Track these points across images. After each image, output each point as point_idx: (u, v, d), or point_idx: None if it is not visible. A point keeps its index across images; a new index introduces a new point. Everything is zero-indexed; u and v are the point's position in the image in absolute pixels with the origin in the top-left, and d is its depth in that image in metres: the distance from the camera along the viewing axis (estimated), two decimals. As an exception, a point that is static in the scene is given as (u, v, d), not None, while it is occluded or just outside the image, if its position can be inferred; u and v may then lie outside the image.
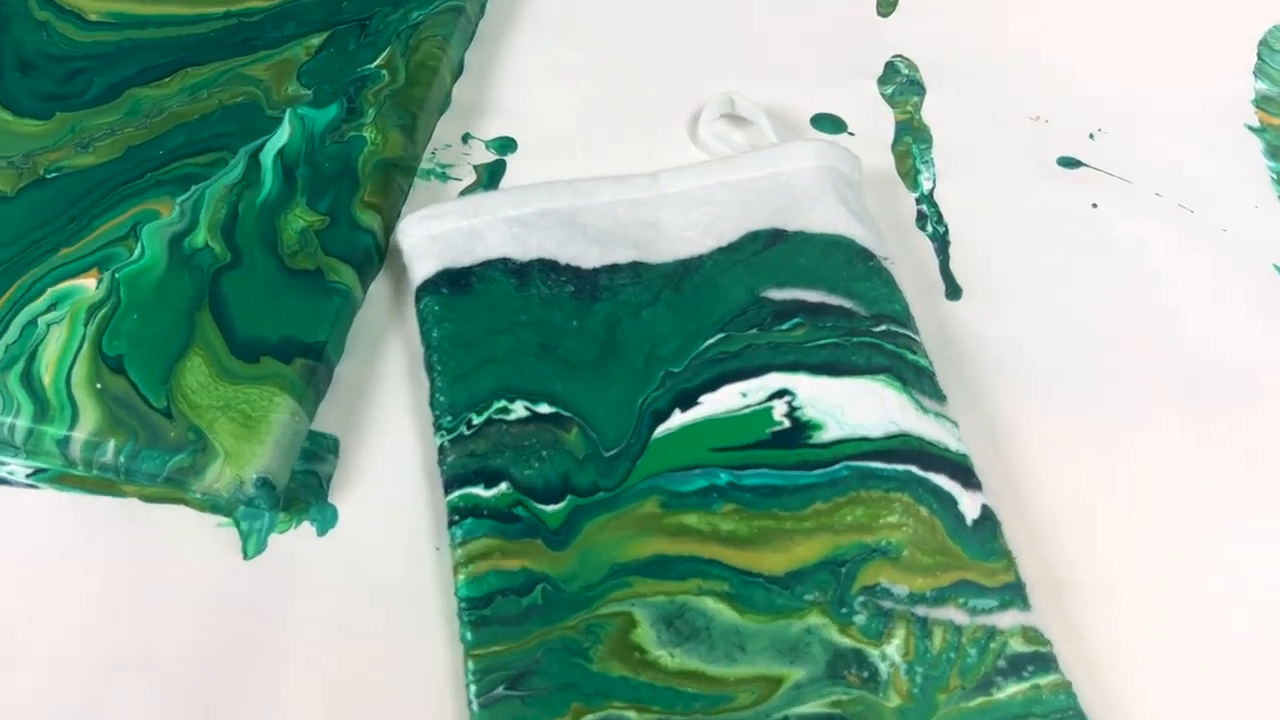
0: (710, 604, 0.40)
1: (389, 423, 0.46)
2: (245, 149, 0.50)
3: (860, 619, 0.39)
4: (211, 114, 0.52)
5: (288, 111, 0.52)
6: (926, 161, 0.54)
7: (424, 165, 0.54)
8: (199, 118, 0.51)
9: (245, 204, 0.49)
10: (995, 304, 0.50)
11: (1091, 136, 0.56)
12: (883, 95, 0.57)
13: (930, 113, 0.56)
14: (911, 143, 0.55)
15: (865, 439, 0.43)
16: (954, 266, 0.51)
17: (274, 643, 0.41)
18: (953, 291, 0.50)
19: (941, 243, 0.51)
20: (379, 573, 0.42)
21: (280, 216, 0.48)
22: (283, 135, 0.51)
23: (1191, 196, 0.53)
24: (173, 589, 0.42)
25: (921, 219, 0.52)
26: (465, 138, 0.55)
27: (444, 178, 0.53)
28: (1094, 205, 0.53)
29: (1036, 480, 0.45)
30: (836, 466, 0.42)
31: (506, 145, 0.55)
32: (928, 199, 0.53)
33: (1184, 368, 0.48)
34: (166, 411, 0.43)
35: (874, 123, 0.56)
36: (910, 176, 0.54)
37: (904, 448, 0.43)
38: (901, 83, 0.58)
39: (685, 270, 0.48)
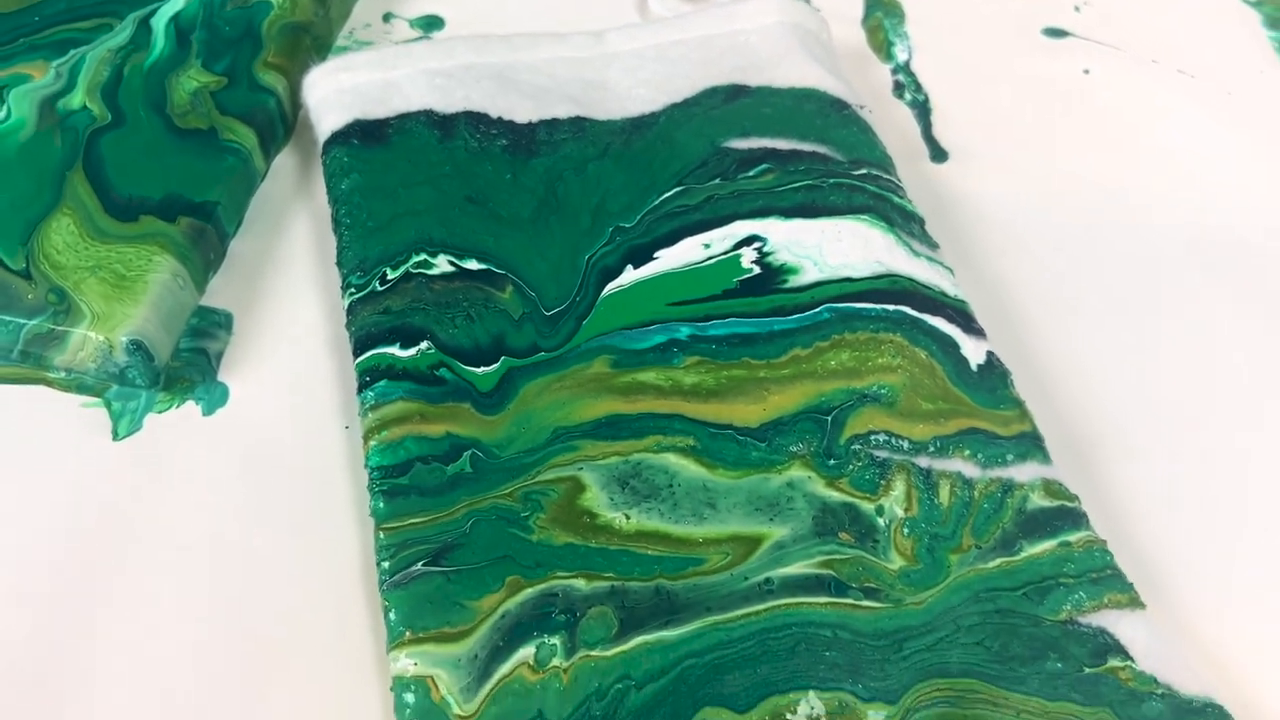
0: (672, 460, 0.33)
1: (292, 300, 0.40)
2: (134, 14, 0.44)
3: (851, 471, 0.33)
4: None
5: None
6: (900, 34, 0.49)
7: (341, 43, 0.48)
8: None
9: (131, 67, 0.43)
10: (984, 166, 0.44)
11: (1077, 9, 0.51)
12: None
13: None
14: (883, 17, 0.50)
15: (849, 279, 0.37)
16: (937, 132, 0.45)
17: (148, 533, 0.34)
18: (938, 155, 0.45)
19: (922, 110, 0.46)
20: (276, 455, 0.36)
21: (170, 78, 0.42)
22: (178, 1, 0.45)
23: (1190, 64, 0.48)
24: (24, 476, 0.34)
25: (899, 88, 0.47)
26: (386, 17, 0.49)
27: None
28: (1085, 71, 0.48)
29: (1041, 338, 0.39)
30: (817, 310, 0.36)
31: (433, 23, 0.49)
32: (904, 69, 0.48)
33: (1195, 221, 0.43)
34: (25, 273, 0.36)
35: (842, 2, 0.51)
36: (884, 49, 0.49)
37: (894, 288, 0.36)
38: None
39: (636, 127, 0.42)
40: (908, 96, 0.47)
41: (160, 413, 0.36)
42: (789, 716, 0.29)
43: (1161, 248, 0.42)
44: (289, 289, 0.40)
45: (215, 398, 0.37)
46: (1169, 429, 0.37)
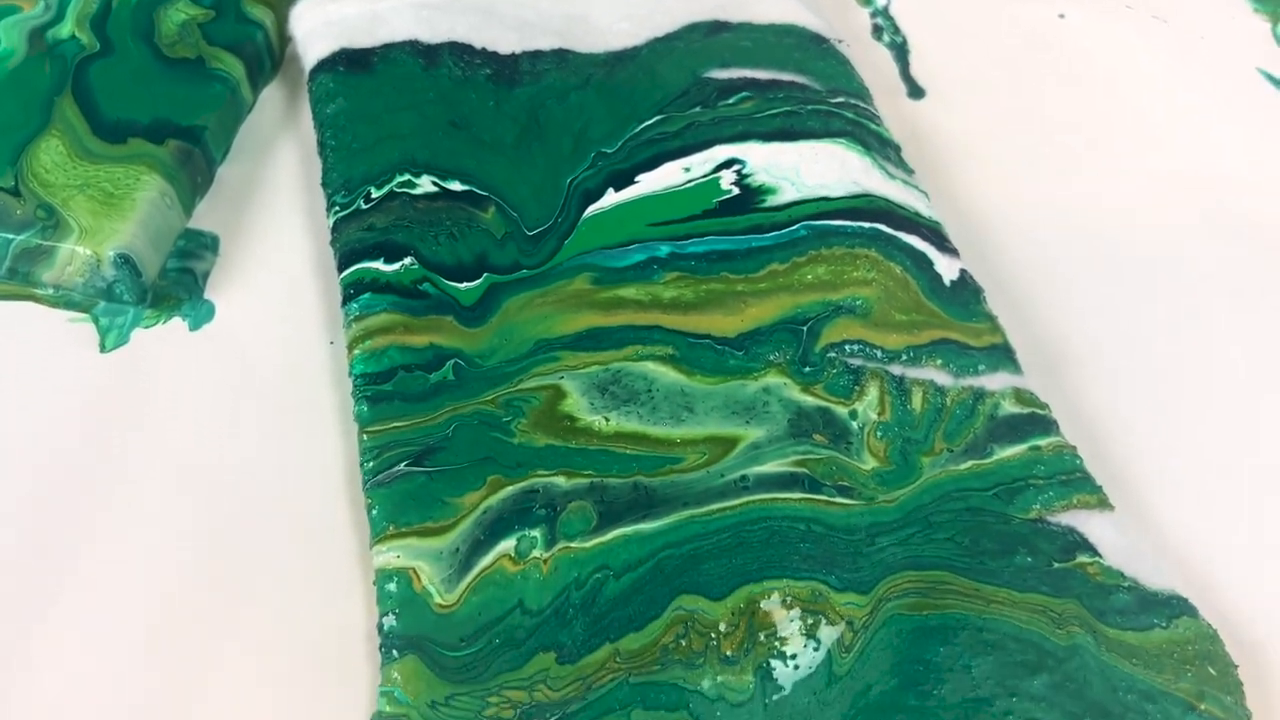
0: (651, 367, 0.34)
1: (278, 224, 0.40)
2: (122, -50, 0.45)
3: (826, 377, 0.34)
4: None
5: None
6: (879, -20, 0.50)
7: (327, -16, 0.48)
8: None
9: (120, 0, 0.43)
10: (961, 104, 0.45)
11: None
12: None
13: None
14: (862, -37, 0.51)
15: (825, 199, 0.37)
16: (914, 72, 0.46)
17: (135, 440, 0.34)
18: (915, 92, 0.45)
19: (900, 51, 0.47)
20: (262, 368, 0.36)
21: (159, 10, 0.43)
22: (165, -61, 0.45)
23: (1164, 9, 0.49)
24: (12, 387, 0.35)
25: (878, 31, 0.48)
26: (374, -41, 0.49)
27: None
28: (1061, 16, 0.49)
29: (1014, 263, 0.40)
30: (794, 227, 0.37)
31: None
32: (883, 13, 0.48)
33: (1164, 158, 0.44)
34: (14, 190, 0.37)
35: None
36: (863, -6, 0.49)
37: (869, 207, 0.37)
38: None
39: (618, 59, 0.42)
40: (886, 38, 0.47)
41: (147, 328, 0.37)
42: (763, 604, 0.30)
43: (1131, 181, 0.43)
44: (275, 214, 0.40)
45: (201, 314, 0.37)
46: (1137, 348, 0.38)
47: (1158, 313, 0.39)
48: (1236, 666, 0.30)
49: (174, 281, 0.38)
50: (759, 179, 0.38)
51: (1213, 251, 0.41)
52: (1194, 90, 0.46)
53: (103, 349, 0.36)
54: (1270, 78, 0.46)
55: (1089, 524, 0.32)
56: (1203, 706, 0.28)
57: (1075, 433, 0.34)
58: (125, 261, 0.36)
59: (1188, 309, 0.39)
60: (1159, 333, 0.39)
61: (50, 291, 0.37)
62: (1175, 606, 0.30)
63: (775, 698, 0.29)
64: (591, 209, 0.38)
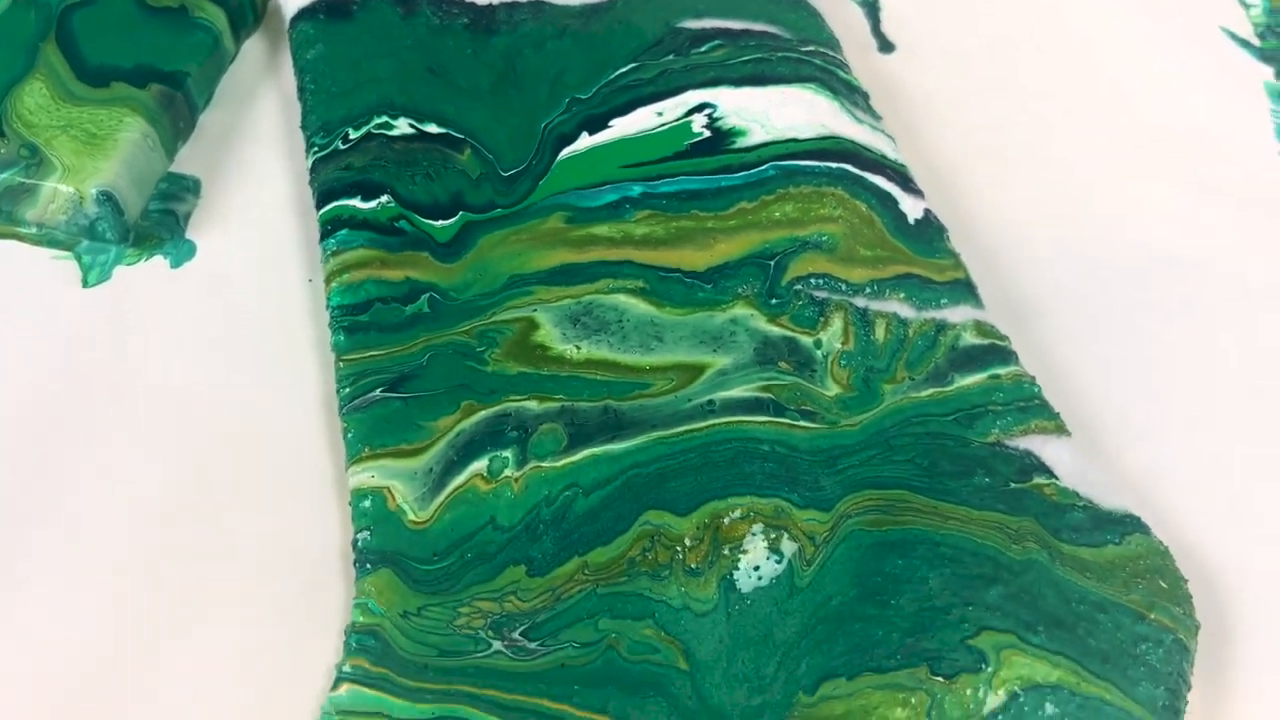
0: (622, 299, 0.35)
1: (259, 169, 0.41)
2: (106, -96, 0.45)
3: (792, 309, 0.34)
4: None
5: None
6: (852, -59, 0.50)
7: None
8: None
9: (103, -49, 0.44)
10: (930, 59, 0.46)
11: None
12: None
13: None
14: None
15: (794, 140, 0.38)
16: (885, 28, 0.47)
17: (116, 373, 0.35)
18: (885, 47, 0.46)
19: (871, 7, 0.48)
20: (242, 304, 0.37)
21: (141, -39, 0.43)
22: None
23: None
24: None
25: (849, -11, 0.49)
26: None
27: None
28: (1031, -25, 0.49)
29: (980, 208, 0.41)
30: (763, 167, 0.38)
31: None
32: (855, -30, 0.49)
33: (1133, 111, 0.44)
34: (-2, 131, 0.37)
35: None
36: (835, -45, 0.50)
37: (836, 148, 0.38)
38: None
39: (594, 11, 0.43)
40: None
41: (129, 265, 0.38)
42: (727, 519, 0.31)
43: (1096, 137, 0.44)
44: (256, 159, 0.41)
45: (183, 253, 0.38)
46: (1099, 299, 0.39)
47: (1120, 265, 0.40)
48: (1186, 581, 0.31)
49: (156, 222, 0.39)
50: (729, 122, 0.39)
51: (1177, 206, 0.42)
52: (1156, 44, 0.47)
53: (85, 284, 0.37)
54: (1233, 35, 0.47)
55: (1045, 448, 0.33)
56: (1152, 616, 0.29)
57: (1036, 374, 0.35)
58: (107, 199, 0.37)
59: (1151, 261, 0.40)
60: (1121, 284, 0.39)
61: (34, 230, 0.38)
62: (1128, 524, 0.31)
63: (738, 607, 0.29)
64: (566, 152, 0.39)
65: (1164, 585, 0.30)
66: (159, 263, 0.38)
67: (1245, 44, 0.47)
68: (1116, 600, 0.29)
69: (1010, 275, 0.39)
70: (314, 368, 0.36)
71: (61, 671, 0.29)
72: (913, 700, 0.28)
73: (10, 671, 0.29)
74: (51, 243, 0.38)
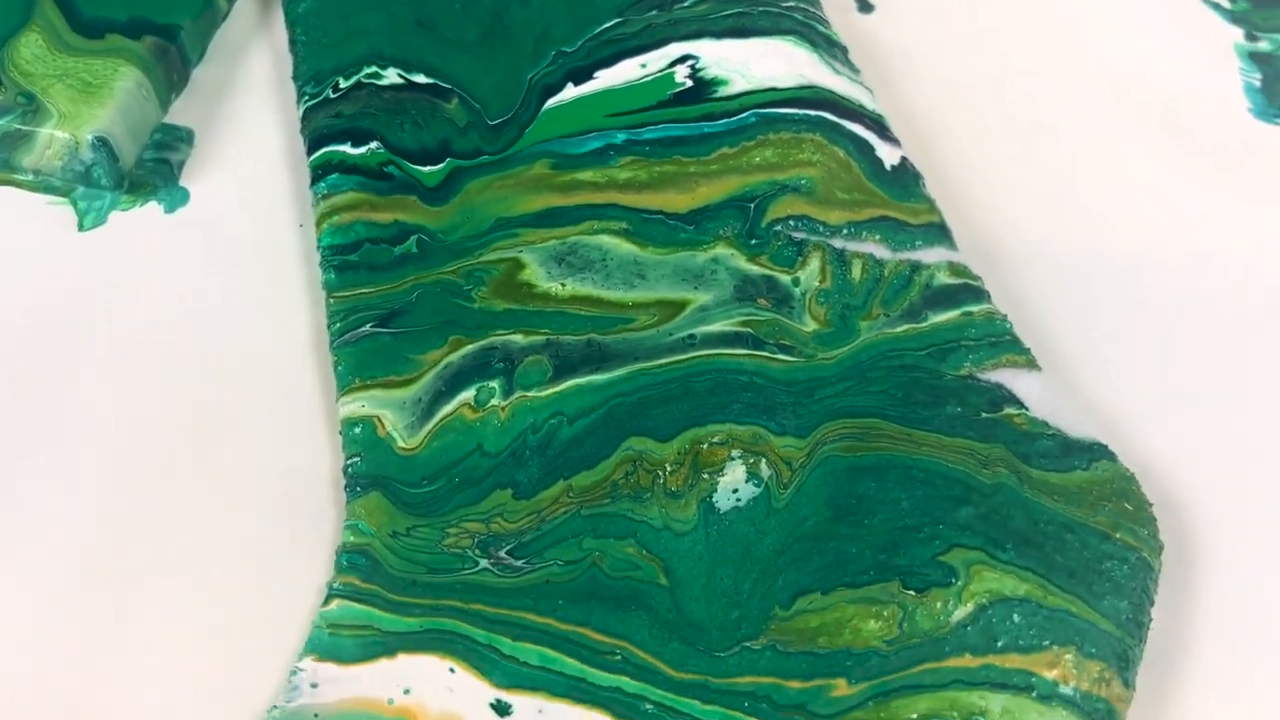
0: (606, 239, 0.36)
1: (251, 121, 0.42)
2: None
3: (771, 249, 0.35)
4: None
5: None
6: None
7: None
8: None
9: (96, -90, 0.44)
10: (908, 18, 0.47)
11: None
12: None
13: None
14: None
15: (774, 89, 0.39)
16: (862, -12, 0.48)
17: (110, 313, 0.36)
18: (864, 7, 0.47)
19: (849, -31, 0.49)
20: (234, 247, 0.38)
21: (134, -81, 0.44)
22: None
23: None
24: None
25: (829, -50, 0.49)
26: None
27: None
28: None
29: (959, 165, 0.42)
30: (743, 115, 0.39)
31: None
32: (836, -66, 0.50)
33: (1106, 66, 0.45)
34: (-6, 79, 0.38)
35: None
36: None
37: (815, 97, 0.39)
38: None
39: (579, -31, 0.44)
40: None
41: (124, 210, 0.38)
42: (706, 445, 0.32)
43: (1068, 91, 0.45)
44: (249, 112, 0.42)
45: (176, 199, 0.39)
46: (1069, 245, 0.40)
47: (1090, 214, 0.41)
48: (1151, 505, 0.32)
49: (150, 170, 0.40)
50: (711, 72, 0.40)
51: (1147, 160, 0.43)
52: (1127, 2, 0.48)
53: (81, 228, 0.38)
54: (1204, -3, 0.48)
55: (1016, 381, 0.34)
56: (1118, 536, 0.30)
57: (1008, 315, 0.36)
58: (103, 144, 0.37)
59: (1119, 210, 0.41)
60: (1090, 233, 0.40)
61: (30, 177, 0.39)
62: (1096, 452, 0.32)
63: (717, 528, 0.31)
64: (551, 102, 0.40)
65: (1129, 508, 0.31)
66: (153, 208, 0.39)
67: (1215, 6, 0.48)
68: (1083, 521, 0.31)
69: (983, 222, 0.40)
70: (305, 308, 0.36)
71: (59, 578, 0.31)
72: (885, 613, 0.29)
73: (13, 575, 0.30)
74: (48, 189, 0.39)
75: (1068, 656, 0.28)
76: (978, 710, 0.27)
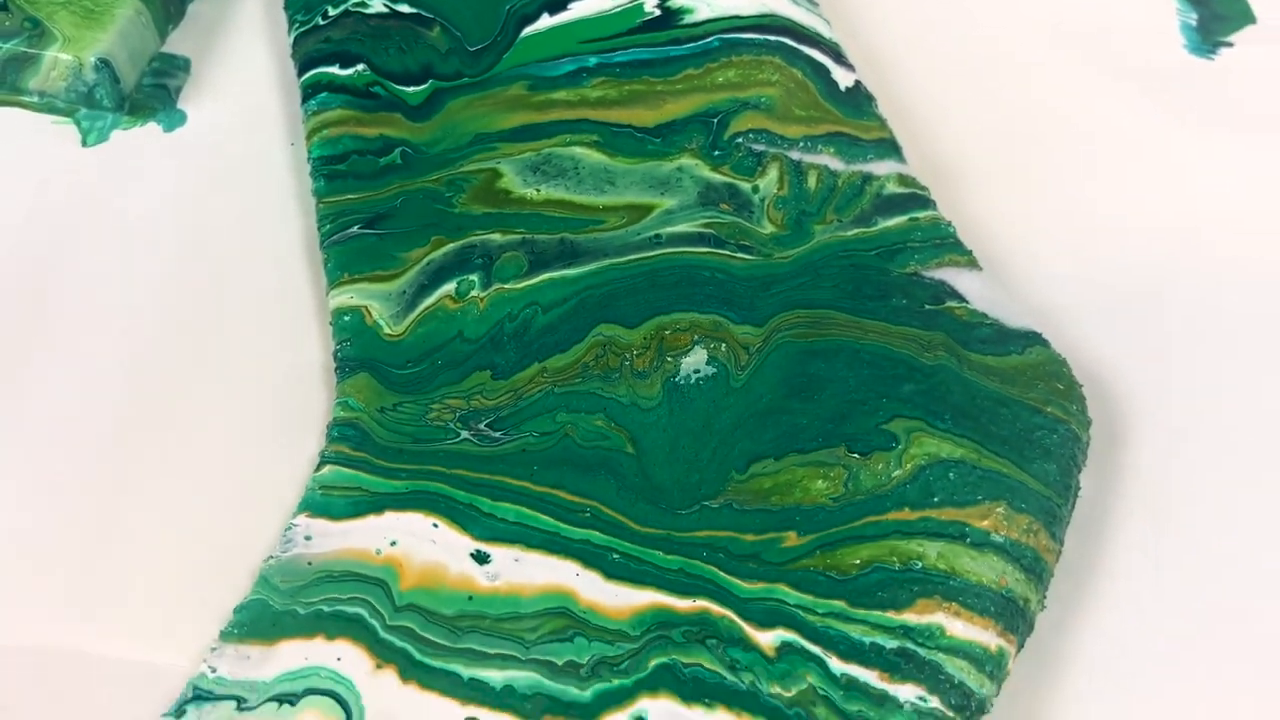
0: (578, 150, 0.38)
1: (245, 50, 0.44)
2: None
3: (732, 159, 0.38)
4: None
5: None
6: None
7: None
8: None
9: None
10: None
11: None
12: None
13: None
14: None
15: (736, 16, 0.42)
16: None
17: (112, 219, 0.38)
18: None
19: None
20: (229, 162, 0.40)
21: None
22: None
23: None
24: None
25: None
26: None
27: None
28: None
29: (911, 92, 0.44)
30: (708, 40, 0.41)
31: None
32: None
33: (1055, 3, 0.48)
34: (2, 6, 0.41)
35: None
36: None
37: (775, 24, 0.42)
38: None
39: (554, -88, 0.47)
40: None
41: (125, 130, 0.41)
42: (670, 331, 0.34)
43: (1025, 32, 0.47)
44: (243, 42, 0.44)
45: (175, 120, 0.41)
46: (1013, 158, 0.42)
47: (1033, 135, 0.43)
48: (1081, 385, 0.34)
49: (149, 95, 0.42)
50: (678, 2, 0.42)
51: (1086, 87, 0.45)
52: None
53: (84, 144, 0.40)
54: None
55: (958, 279, 0.36)
56: (1049, 409, 0.33)
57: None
58: (105, 65, 0.40)
59: (1059, 132, 0.44)
60: (1033, 151, 0.43)
61: (35, 99, 0.41)
62: (1031, 339, 0.35)
63: (680, 403, 0.33)
64: (528, 29, 0.42)
65: (1060, 387, 0.34)
66: (153, 128, 0.41)
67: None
68: (1016, 397, 0.33)
69: (932, 142, 0.43)
70: (296, 216, 0.39)
71: (80, 444, 0.33)
72: (831, 474, 0.31)
73: (26, 461, 0.33)
74: (52, 110, 0.41)
75: (999, 509, 0.30)
76: (915, 555, 0.30)
